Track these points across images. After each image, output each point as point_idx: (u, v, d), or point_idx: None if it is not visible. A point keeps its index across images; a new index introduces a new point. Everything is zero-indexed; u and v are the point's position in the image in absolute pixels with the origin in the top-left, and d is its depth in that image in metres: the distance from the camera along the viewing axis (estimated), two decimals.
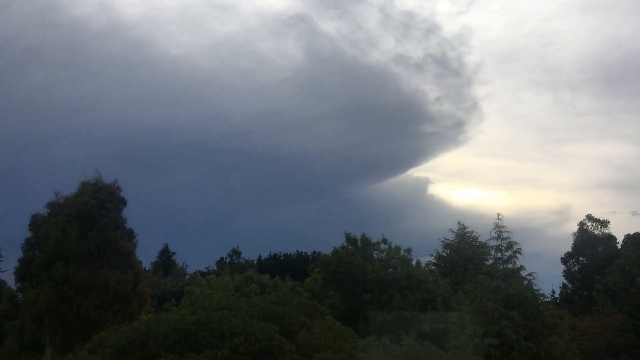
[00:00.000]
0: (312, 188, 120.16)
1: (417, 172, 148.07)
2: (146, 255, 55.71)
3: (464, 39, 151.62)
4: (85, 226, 25.24)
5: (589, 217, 52.73)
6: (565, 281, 52.64)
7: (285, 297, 26.83)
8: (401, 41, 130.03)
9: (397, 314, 31.73)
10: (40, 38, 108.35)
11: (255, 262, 58.10)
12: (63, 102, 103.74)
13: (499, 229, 20.96)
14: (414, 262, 37.82)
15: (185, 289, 35.70)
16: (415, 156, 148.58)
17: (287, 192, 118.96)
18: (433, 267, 44.75)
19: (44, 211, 27.02)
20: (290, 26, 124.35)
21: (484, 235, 26.52)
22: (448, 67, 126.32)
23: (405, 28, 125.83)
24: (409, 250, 37.74)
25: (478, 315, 19.87)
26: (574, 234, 52.86)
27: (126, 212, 27.50)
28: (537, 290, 20.86)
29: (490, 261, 26.94)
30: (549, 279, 52.64)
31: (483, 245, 39.28)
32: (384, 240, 38.51)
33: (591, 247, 51.35)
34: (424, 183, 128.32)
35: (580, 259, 52.15)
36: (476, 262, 41.10)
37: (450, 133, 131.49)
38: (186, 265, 58.26)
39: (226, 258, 59.12)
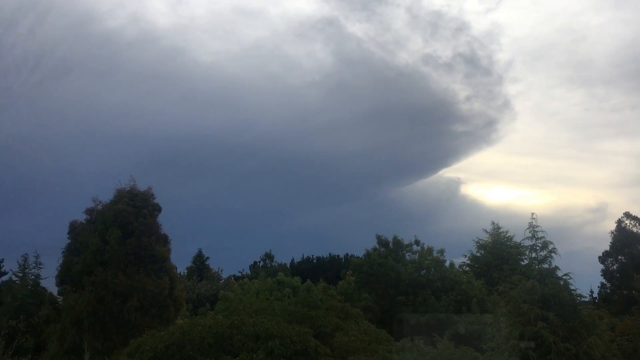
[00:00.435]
0: (343, 191, 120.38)
1: (449, 172, 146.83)
2: (181, 261, 56.79)
3: (493, 37, 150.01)
4: (123, 233, 25.82)
5: (627, 215, 51.47)
6: (603, 280, 51.47)
7: (317, 300, 26.94)
8: (429, 41, 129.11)
9: (432, 316, 31.51)
10: (76, 50, 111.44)
11: (288, 265, 58.44)
12: (99, 111, 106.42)
13: (533, 228, 20.66)
14: (447, 264, 37.53)
15: (220, 293, 36.14)
16: (447, 156, 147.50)
17: (319, 195, 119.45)
18: (467, 268, 44.25)
19: (82, 217, 27.75)
20: (318, 30, 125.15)
21: (519, 235, 26.22)
22: (478, 65, 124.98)
23: (433, 28, 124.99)
24: (442, 252, 37.46)
25: (514, 316, 19.61)
26: (612, 232, 51.62)
27: (161, 218, 28.07)
28: (574, 290, 20.48)
29: (525, 261, 26.53)
30: (586, 279, 51.68)
31: (518, 245, 38.72)
32: (417, 242, 38.30)
33: (630, 245, 50.07)
34: (456, 183, 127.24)
35: (619, 257, 50.87)
36: (511, 262, 40.52)
37: (481, 132, 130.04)
38: (221, 270, 59.08)
39: (259, 262, 59.65)
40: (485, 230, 45.95)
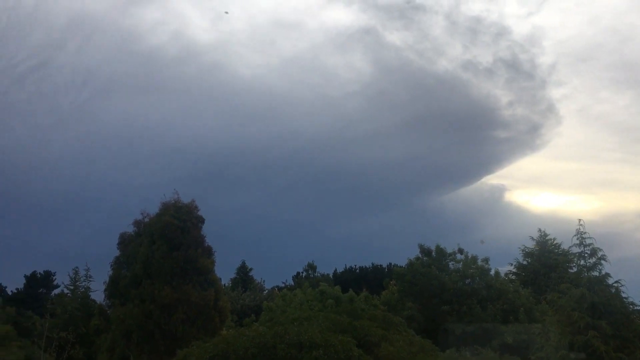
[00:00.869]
0: (385, 199, 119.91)
1: (492, 179, 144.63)
2: (225, 272, 57.49)
3: (535, 40, 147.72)
4: (169, 246, 26.35)
5: None
6: None
7: (360, 309, 26.81)
8: (469, 47, 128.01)
9: (478, 326, 30.99)
10: (120, 68, 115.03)
11: (331, 275, 58.41)
12: (143, 126, 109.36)
13: (581, 234, 20.15)
14: (492, 272, 36.82)
15: (263, 304, 36.40)
16: (490, 163, 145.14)
17: (361, 204, 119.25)
18: (513, 277, 43.31)
19: (131, 229, 28.48)
20: (357, 40, 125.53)
21: (567, 242, 25.56)
22: (520, 70, 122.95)
23: (472, 33, 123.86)
24: (486, 260, 36.85)
25: (563, 325, 19.12)
26: None
27: (205, 229, 28.50)
28: (626, 298, 19.85)
29: (574, 269, 25.82)
30: None
31: (566, 253, 37.72)
32: (460, 250, 37.78)
33: None
34: (500, 190, 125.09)
35: None
36: (559, 270, 39.47)
37: (525, 138, 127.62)
38: (263, 281, 59.54)
39: (302, 273, 59.81)
40: (532, 238, 44.94)
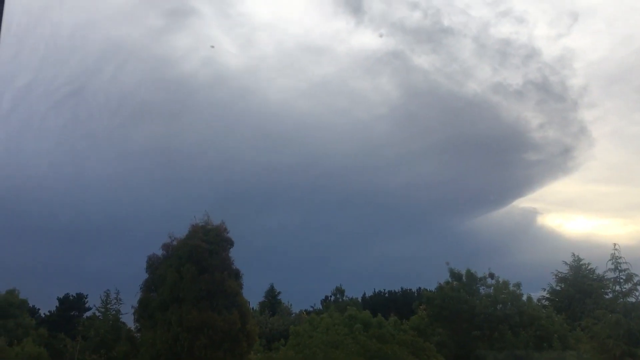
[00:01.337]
0: (415, 223, 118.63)
1: (523, 202, 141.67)
2: (254, 295, 57.43)
3: (566, 62, 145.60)
4: (197, 268, 26.50)
5: None
6: None
7: (389, 334, 26.48)
8: (498, 69, 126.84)
9: (510, 353, 30.28)
10: (153, 93, 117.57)
11: (359, 300, 57.90)
12: (175, 150, 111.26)
13: (616, 259, 19.69)
14: (524, 297, 36.03)
15: (290, 328, 36.23)
16: (521, 186, 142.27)
17: (390, 228, 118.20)
18: (546, 302, 42.29)
19: (159, 252, 28.76)
20: (384, 63, 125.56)
21: (601, 267, 24.93)
22: (551, 92, 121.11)
23: (502, 56, 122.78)
24: (518, 285, 36.11)
25: (598, 353, 18.59)
26: None
27: (233, 252, 28.61)
28: None
29: (610, 295, 25.11)
30: None
31: (601, 278, 36.74)
32: (491, 275, 37.12)
33: None
34: (532, 214, 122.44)
35: None
36: (594, 296, 38.40)
37: (557, 160, 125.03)
38: (291, 305, 59.29)
39: (330, 297, 59.44)
40: (565, 262, 43.98)
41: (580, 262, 43.32)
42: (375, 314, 37.94)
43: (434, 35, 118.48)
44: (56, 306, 61.36)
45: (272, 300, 58.40)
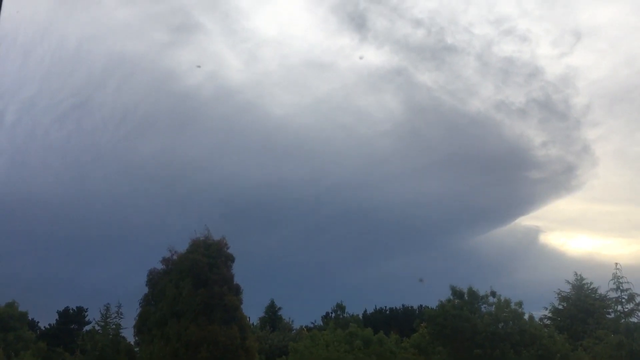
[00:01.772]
0: (417, 240, 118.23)
1: (526, 220, 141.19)
2: (254, 310, 57.13)
3: (569, 81, 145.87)
4: (196, 282, 26.45)
5: None
6: None
7: (389, 352, 26.29)
8: (501, 87, 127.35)
9: None
10: (157, 107, 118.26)
11: (360, 316, 57.53)
12: (178, 163, 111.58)
13: (618, 279, 19.62)
14: (526, 316, 35.76)
15: (290, 344, 35.96)
16: (524, 204, 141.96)
17: (392, 244, 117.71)
18: (548, 321, 41.95)
19: (159, 267, 28.73)
20: (388, 80, 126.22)
21: (604, 286, 24.82)
22: (553, 110, 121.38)
23: (505, 74, 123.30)
24: (520, 304, 35.77)
25: None
26: None
27: (235, 267, 28.55)
28: None
29: (612, 315, 24.96)
30: None
31: (603, 298, 36.49)
32: (493, 293, 36.84)
33: None
34: (535, 232, 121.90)
35: None
36: (597, 316, 38.09)
37: (560, 179, 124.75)
38: (292, 320, 58.93)
39: (331, 313, 59.07)
40: (567, 281, 43.67)
41: (583, 282, 43.01)
42: (376, 330, 37.68)
43: (437, 52, 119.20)
44: (56, 319, 61.08)
45: (272, 316, 58.05)
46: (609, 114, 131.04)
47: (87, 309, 61.74)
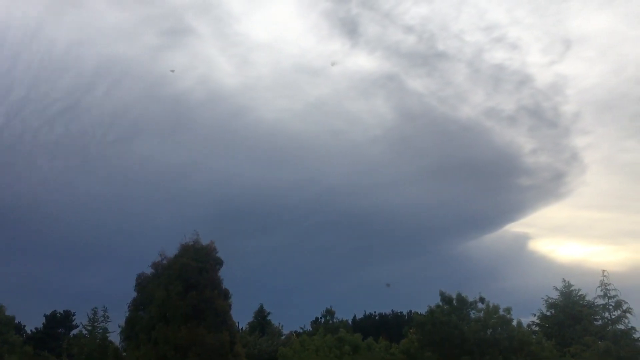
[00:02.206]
0: (407, 246, 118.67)
1: (515, 227, 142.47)
2: (243, 315, 56.94)
3: (558, 89, 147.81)
4: (185, 286, 26.33)
5: None
6: None
7: (379, 358, 26.27)
8: (492, 94, 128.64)
9: None
10: (148, 110, 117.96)
11: (349, 322, 57.46)
12: (168, 167, 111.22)
13: (605, 286, 19.73)
14: (514, 322, 35.87)
15: (279, 350, 35.86)
16: (513, 211, 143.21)
17: (382, 250, 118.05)
18: (536, 328, 42.11)
19: (148, 271, 28.55)
20: (379, 86, 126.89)
21: (592, 293, 24.93)
22: (543, 118, 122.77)
23: (495, 81, 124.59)
24: (508, 310, 35.86)
25: None
26: None
27: (224, 272, 28.45)
28: None
29: (599, 321, 25.10)
30: None
31: (591, 304, 36.71)
32: (481, 299, 36.92)
33: None
34: (524, 238, 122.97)
35: None
36: (584, 322, 38.30)
37: (549, 186, 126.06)
38: (281, 325, 58.75)
39: (321, 318, 58.98)
40: (556, 288, 43.87)
41: (571, 288, 43.23)
42: (365, 336, 37.64)
43: (428, 59, 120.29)
44: (43, 323, 60.53)
45: (261, 320, 57.83)
46: (598, 121, 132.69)
47: (74, 313, 61.26)
